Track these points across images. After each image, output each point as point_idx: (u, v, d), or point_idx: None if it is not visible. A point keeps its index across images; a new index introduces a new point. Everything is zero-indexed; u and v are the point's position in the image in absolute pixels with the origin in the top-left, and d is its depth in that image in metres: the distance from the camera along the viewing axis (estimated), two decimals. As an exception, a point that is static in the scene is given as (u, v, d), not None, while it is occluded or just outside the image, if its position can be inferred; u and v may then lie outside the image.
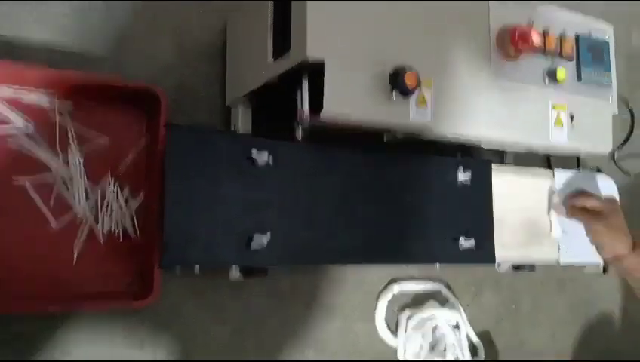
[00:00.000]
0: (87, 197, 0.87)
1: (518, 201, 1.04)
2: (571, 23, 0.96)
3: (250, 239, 0.78)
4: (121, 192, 0.90)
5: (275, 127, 0.84)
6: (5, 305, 0.77)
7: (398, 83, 0.76)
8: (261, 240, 0.77)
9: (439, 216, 0.92)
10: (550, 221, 1.04)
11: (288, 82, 0.80)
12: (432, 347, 1.08)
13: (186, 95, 0.96)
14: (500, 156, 1.11)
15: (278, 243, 0.79)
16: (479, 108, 0.86)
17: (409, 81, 0.76)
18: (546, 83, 0.93)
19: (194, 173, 0.76)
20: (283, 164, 0.82)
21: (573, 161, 1.18)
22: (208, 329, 0.93)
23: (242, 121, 0.90)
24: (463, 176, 0.94)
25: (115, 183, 0.89)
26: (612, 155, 1.39)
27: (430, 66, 0.82)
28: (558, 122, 0.94)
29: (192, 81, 0.96)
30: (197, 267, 0.79)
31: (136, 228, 0.90)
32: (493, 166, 1.01)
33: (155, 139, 0.87)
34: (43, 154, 0.85)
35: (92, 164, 0.88)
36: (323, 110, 0.73)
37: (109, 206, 0.88)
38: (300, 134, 0.86)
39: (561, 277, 1.31)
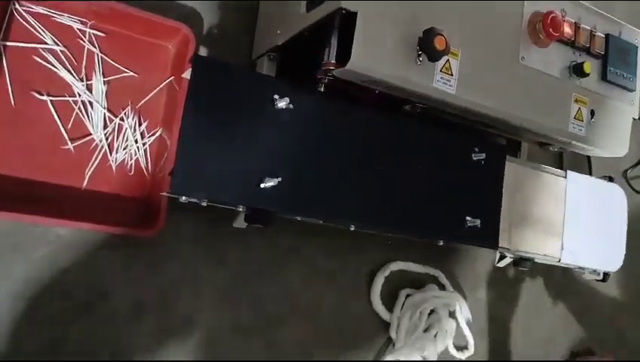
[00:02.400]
0: (105, 126, 0.87)
1: (528, 195, 1.03)
2: (602, 21, 0.95)
3: (261, 180, 0.77)
4: (139, 127, 0.89)
5: (298, 81, 0.83)
6: (8, 210, 0.76)
7: (427, 46, 0.75)
8: (271, 183, 0.76)
9: (449, 191, 0.91)
10: (563, 219, 1.02)
11: (317, 36, 0.79)
12: (425, 330, 1.06)
13: (212, 46, 0.95)
14: (515, 151, 1.10)
15: (286, 190, 0.78)
16: (503, 86, 0.85)
17: (439, 44, 0.75)
18: (570, 75, 0.92)
19: (214, 105, 0.76)
20: (302, 112, 0.81)
21: (584, 165, 1.16)
22: (204, 273, 0.92)
23: (267, 70, 0.90)
24: (477, 157, 0.93)
25: (134, 116, 0.89)
26: (624, 173, 1.38)
27: (461, 36, 0.81)
28: (579, 116, 0.93)
29: (219, 32, 0.96)
30: (204, 201, 0.78)
31: (149, 164, 0.89)
32: (508, 158, 1.00)
33: (179, 78, 0.87)
34: (68, 76, 0.85)
35: (114, 95, 0.87)
36: (350, 61, 0.73)
37: (125, 137, 0.88)
38: (322, 88, 0.86)
39: (560, 282, 1.29)
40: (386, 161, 0.87)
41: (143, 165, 0.89)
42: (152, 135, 0.90)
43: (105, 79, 0.87)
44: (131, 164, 0.88)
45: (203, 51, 0.94)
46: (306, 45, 0.82)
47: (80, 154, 0.84)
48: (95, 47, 0.86)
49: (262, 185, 0.76)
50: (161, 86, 0.91)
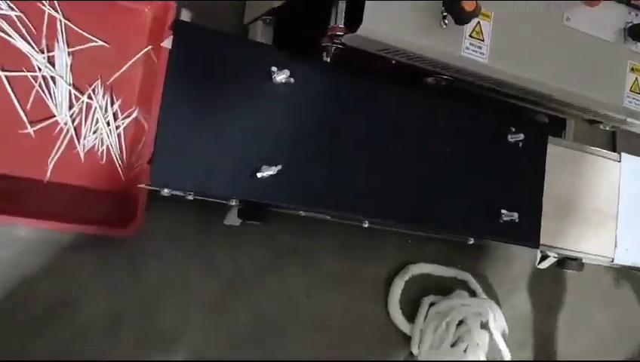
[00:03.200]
0: (70, 106, 0.88)
1: (575, 182, 1.05)
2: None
3: (257, 169, 0.79)
4: (111, 106, 0.91)
5: (299, 50, 0.85)
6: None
7: (453, 6, 0.76)
8: (269, 172, 0.78)
9: (479, 179, 0.93)
10: (616, 210, 1.04)
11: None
12: (452, 344, 1.08)
13: (196, 10, 0.96)
14: (559, 130, 1.12)
15: (287, 180, 0.80)
16: (544, 52, 0.87)
17: (467, 5, 0.76)
18: (625, 38, 0.93)
19: (200, 80, 0.77)
20: (305, 87, 0.82)
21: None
22: (191, 279, 0.94)
23: (262, 39, 0.91)
24: (513, 138, 0.95)
25: (105, 94, 0.91)
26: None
27: (493, -5, 0.82)
28: (635, 87, 0.94)
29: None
30: (190, 194, 0.80)
31: (124, 150, 0.91)
32: (550, 139, 1.01)
33: (158, 47, 0.88)
34: (26, 46, 0.87)
35: (81, 69, 0.89)
36: (362, 25, 0.74)
37: (95, 119, 0.90)
38: (327, 58, 0.87)
39: (612, 284, 1.30)
40: (406, 143, 0.88)
41: (116, 152, 0.91)
42: (127, 116, 0.92)
43: (70, 50, 0.88)
44: (103, 151, 0.90)
45: (185, 15, 0.96)
46: (308, 7, 0.83)
47: (42, 140, 0.86)
48: (57, 11, 0.88)
49: (258, 175, 0.78)
50: (137, 57, 0.92)
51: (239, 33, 0.98)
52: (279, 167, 0.77)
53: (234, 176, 0.77)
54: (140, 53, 0.91)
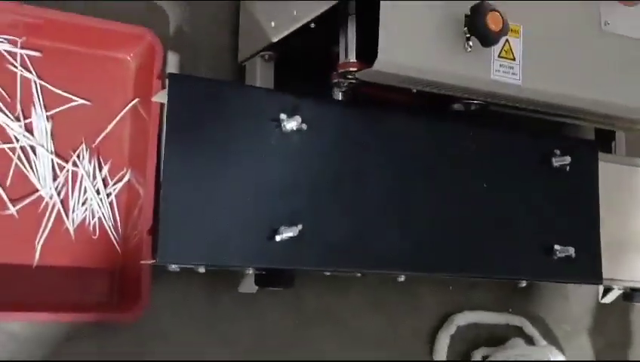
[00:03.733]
0: (54, 177, 0.89)
1: (633, 202, 1.04)
2: None
3: (275, 232, 0.79)
4: (100, 171, 0.92)
5: (304, 89, 0.86)
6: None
7: (477, 26, 0.77)
8: (289, 233, 0.78)
9: (526, 213, 0.93)
10: None
11: (327, 27, 0.81)
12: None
13: (183, 48, 0.98)
14: (607, 144, 1.12)
15: (311, 240, 0.80)
16: (584, 63, 0.87)
17: (493, 23, 0.77)
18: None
19: (202, 138, 0.78)
20: (320, 132, 0.83)
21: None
22: (207, 358, 0.94)
23: (262, 79, 0.92)
24: (559, 162, 0.95)
25: (91, 159, 0.91)
26: None
27: (519, 7, 0.83)
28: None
29: (191, 32, 0.99)
30: (202, 266, 0.80)
31: (118, 220, 0.92)
32: (600, 155, 1.01)
33: (147, 100, 0.89)
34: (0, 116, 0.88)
35: (63, 133, 0.90)
36: (377, 59, 0.75)
37: (83, 189, 0.90)
38: (339, 95, 0.88)
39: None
40: (438, 181, 0.89)
41: (109, 224, 0.91)
42: (118, 181, 0.93)
43: (48, 113, 0.89)
44: (95, 224, 0.90)
45: (172, 60, 0.97)
46: (312, 40, 0.84)
47: (26, 220, 0.86)
48: (31, 72, 0.89)
49: (277, 238, 0.78)
50: (123, 113, 0.93)
51: (234, 73, 0.99)
52: (299, 226, 0.78)
53: (250, 242, 0.78)
54: (126, 108, 0.93)
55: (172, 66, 0.95)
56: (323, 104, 0.83)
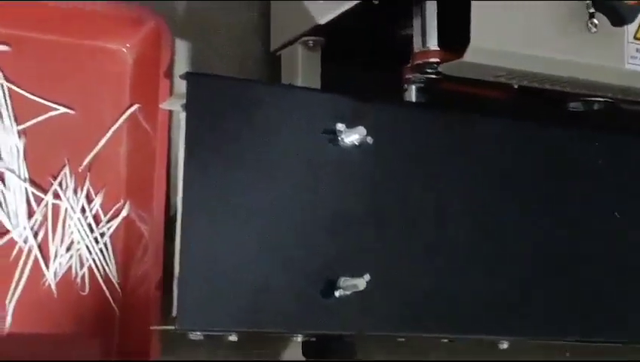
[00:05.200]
0: (30, 213, 0.92)
1: None
2: None
3: (333, 285, 0.81)
4: (89, 204, 0.95)
5: (361, 85, 0.88)
6: None
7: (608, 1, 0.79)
8: (352, 287, 0.80)
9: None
10: None
11: (395, 4, 0.83)
12: None
13: (197, 35, 1.01)
14: None
15: (380, 294, 0.81)
16: None
17: (630, -6, 0.78)
18: None
19: (231, 160, 0.79)
20: (389, 146, 0.84)
21: None
22: None
23: (305, 74, 0.94)
24: None
25: (78, 188, 0.94)
26: None
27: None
28: None
29: (207, 11, 1.01)
30: (233, 334, 0.82)
31: (114, 270, 0.94)
32: None
33: (149, 106, 0.92)
34: (-43, 133, 0.90)
35: (40, 153, 0.93)
36: (470, 46, 0.76)
37: (68, 229, 0.93)
38: (413, 95, 0.90)
39: None
40: (552, 211, 0.89)
41: (103, 276, 0.93)
42: (113, 217, 0.95)
43: (19, 127, 0.92)
44: (83, 276, 0.93)
45: (183, 51, 0.99)
46: (373, 21, 0.87)
47: (-5, 271, 0.88)
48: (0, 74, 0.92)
49: (337, 293, 0.80)
50: (118, 125, 0.96)
51: (265, 66, 1.01)
52: (366, 277, 0.79)
53: (298, 299, 0.79)
54: (122, 119, 0.95)
55: (183, 60, 0.97)
56: (394, 109, 0.85)
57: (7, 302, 0.89)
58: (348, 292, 0.79)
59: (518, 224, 0.88)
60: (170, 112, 0.90)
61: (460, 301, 0.85)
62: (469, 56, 0.77)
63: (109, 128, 0.95)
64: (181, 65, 0.97)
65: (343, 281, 0.79)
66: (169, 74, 0.90)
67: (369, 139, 0.81)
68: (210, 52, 1.00)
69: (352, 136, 0.81)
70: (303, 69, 0.95)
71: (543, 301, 0.89)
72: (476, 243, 0.87)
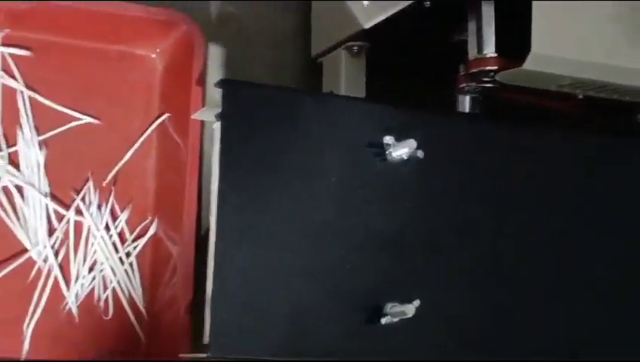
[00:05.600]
0: (50, 231, 0.93)
1: None
2: None
3: (379, 311, 0.81)
4: (114, 222, 0.96)
5: (409, 95, 0.89)
6: None
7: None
8: (401, 313, 0.80)
9: None
10: None
11: (447, 6, 0.84)
12: None
13: (231, 40, 1.02)
14: None
15: (431, 321, 0.81)
16: None
17: None
18: None
19: (270, 175, 0.80)
20: (442, 161, 0.84)
21: None
22: None
23: (349, 80, 0.95)
24: None
25: (102, 204, 0.95)
26: None
27: None
28: None
29: (242, 14, 1.03)
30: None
31: (140, 292, 0.95)
32: None
33: (180, 116, 0.93)
34: (-27, 143, 0.91)
35: (62, 167, 0.94)
36: (532, 53, 0.76)
37: (91, 248, 0.94)
38: (466, 105, 0.90)
39: None
40: (623, 234, 0.89)
41: (128, 298, 0.94)
42: (140, 236, 0.96)
43: (40, 138, 0.94)
44: (107, 298, 0.94)
45: (216, 57, 1.00)
46: (423, 25, 0.87)
47: (10, 294, 0.90)
48: (16, 79, 0.94)
49: (383, 320, 0.80)
50: (146, 136, 0.97)
51: (305, 73, 1.02)
52: (416, 303, 0.79)
53: (341, 325, 0.79)
54: (151, 129, 0.97)
55: (216, 67, 0.98)
56: (446, 120, 0.84)
57: (24, 326, 0.90)
58: (395, 319, 0.78)
59: (588, 248, 0.88)
60: (203, 123, 0.91)
61: (518, 328, 0.85)
62: (530, 63, 0.77)
63: (137, 139, 0.96)
64: (214, 73, 0.98)
65: (390, 307, 0.79)
66: (202, 81, 0.90)
67: (419, 154, 0.81)
68: (246, 58, 1.01)
69: (400, 150, 0.80)
70: (346, 76, 0.95)
71: (615, 329, 0.88)
72: (537, 267, 0.86)
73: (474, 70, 0.81)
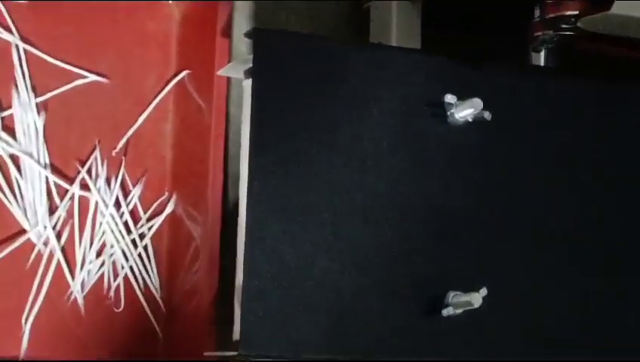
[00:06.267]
0: (51, 208, 0.93)
1: None
2: None
3: (438, 301, 0.80)
4: (126, 199, 0.95)
5: (472, 48, 0.87)
6: None
7: None
8: (466, 303, 0.79)
9: None
10: None
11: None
12: None
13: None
14: None
15: (501, 314, 0.81)
16: None
17: None
18: None
19: (309, 142, 0.79)
20: (514, 124, 0.83)
21: None
22: None
23: (401, 29, 0.94)
24: None
25: (112, 177, 0.95)
26: None
27: None
28: None
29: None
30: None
31: (157, 280, 0.95)
32: None
33: (202, 73, 0.92)
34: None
35: (64, 133, 0.94)
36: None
37: (98, 229, 0.94)
38: (541, 58, 0.89)
39: None
40: None
41: (142, 287, 0.94)
42: (156, 214, 0.96)
43: (39, 100, 0.93)
44: (118, 287, 0.94)
45: (243, 4, 1.00)
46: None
47: (6, 284, 0.90)
48: (11, 31, 0.93)
49: (444, 312, 0.79)
50: (162, 96, 0.97)
51: (349, 22, 1.01)
52: (483, 291, 0.78)
53: (395, 319, 0.78)
54: (167, 88, 0.96)
55: (243, 16, 0.98)
56: (518, 75, 0.83)
57: (22, 320, 0.90)
58: (458, 311, 0.78)
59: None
60: (229, 80, 0.89)
61: (602, 326, 0.85)
62: (618, 6, 0.75)
63: (151, 101, 0.95)
64: (242, 22, 0.97)
65: (453, 297, 0.78)
66: (227, 32, 0.89)
67: (486, 115, 0.80)
68: (278, 6, 0.99)
69: (464, 111, 0.80)
70: (398, 24, 0.95)
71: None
72: (634, 258, 0.86)
73: (551, 15, 0.79)
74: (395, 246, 0.79)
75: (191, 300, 0.90)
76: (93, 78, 0.94)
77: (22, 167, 0.91)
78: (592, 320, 0.85)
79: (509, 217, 0.83)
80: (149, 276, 0.94)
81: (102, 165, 0.94)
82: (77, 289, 0.92)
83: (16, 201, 0.91)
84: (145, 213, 0.94)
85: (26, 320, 0.90)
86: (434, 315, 0.79)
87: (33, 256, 0.91)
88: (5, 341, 0.89)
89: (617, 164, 0.86)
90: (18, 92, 0.92)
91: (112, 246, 0.93)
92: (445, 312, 0.77)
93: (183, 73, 0.95)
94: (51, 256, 0.91)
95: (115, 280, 0.93)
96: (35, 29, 0.92)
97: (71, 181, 0.93)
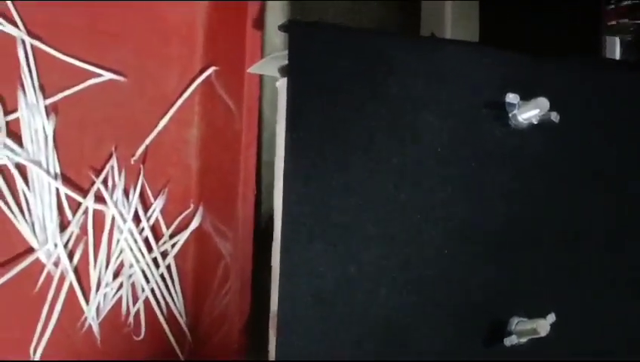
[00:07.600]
0: (63, 224, 0.94)
1: None
2: None
3: (502, 329, 0.81)
4: (145, 212, 0.97)
5: (535, 40, 0.87)
6: None
7: None
8: (531, 331, 0.79)
9: None
10: None
11: None
12: None
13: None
14: None
15: (571, 343, 0.81)
16: None
17: None
18: None
19: (354, 148, 0.80)
20: (585, 127, 0.84)
21: None
22: None
23: (456, 22, 0.93)
24: None
25: (130, 188, 0.96)
26: None
27: None
28: None
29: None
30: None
31: (179, 304, 0.96)
32: None
33: (232, 71, 0.93)
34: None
35: (77, 143, 0.95)
36: None
37: (116, 247, 0.95)
38: (617, 49, 0.89)
39: None
40: None
41: (165, 312, 0.95)
42: (181, 229, 0.97)
43: (48, 102, 0.94)
44: (138, 312, 0.95)
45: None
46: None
47: (13, 309, 0.91)
48: (16, 25, 0.94)
49: (507, 341, 0.80)
50: (186, 96, 0.98)
51: (390, 11, 1.02)
52: (551, 317, 0.79)
53: (449, 348, 0.79)
54: (192, 87, 0.97)
55: (277, 7, 0.99)
56: (589, 71, 0.83)
57: (30, 351, 0.91)
58: (523, 340, 0.78)
59: None
60: (262, 79, 0.90)
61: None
62: None
63: (174, 102, 0.96)
64: (276, 14, 0.98)
65: (517, 323, 0.79)
66: (260, 25, 0.89)
67: (554, 117, 0.80)
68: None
69: (528, 112, 0.80)
70: (453, 16, 0.95)
71: None
72: None
73: (627, 2, 0.78)
74: (450, 265, 0.80)
75: (220, 327, 0.91)
76: (108, 76, 0.95)
77: (29, 178, 0.92)
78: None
79: (579, 233, 0.83)
80: (173, 299, 0.94)
81: (119, 175, 0.95)
82: (92, 316, 0.93)
83: (23, 216, 0.92)
84: (168, 228, 0.95)
85: (35, 350, 0.91)
86: (495, 345, 0.80)
87: (42, 277, 0.92)
88: (12, 373, 0.86)
89: None
90: (24, 93, 0.93)
91: (130, 267, 0.94)
92: (508, 342, 0.78)
93: (210, 70, 0.96)
94: (62, 277, 0.92)
95: (134, 304, 0.94)
96: (42, 21, 0.93)
97: (84, 193, 0.94)
